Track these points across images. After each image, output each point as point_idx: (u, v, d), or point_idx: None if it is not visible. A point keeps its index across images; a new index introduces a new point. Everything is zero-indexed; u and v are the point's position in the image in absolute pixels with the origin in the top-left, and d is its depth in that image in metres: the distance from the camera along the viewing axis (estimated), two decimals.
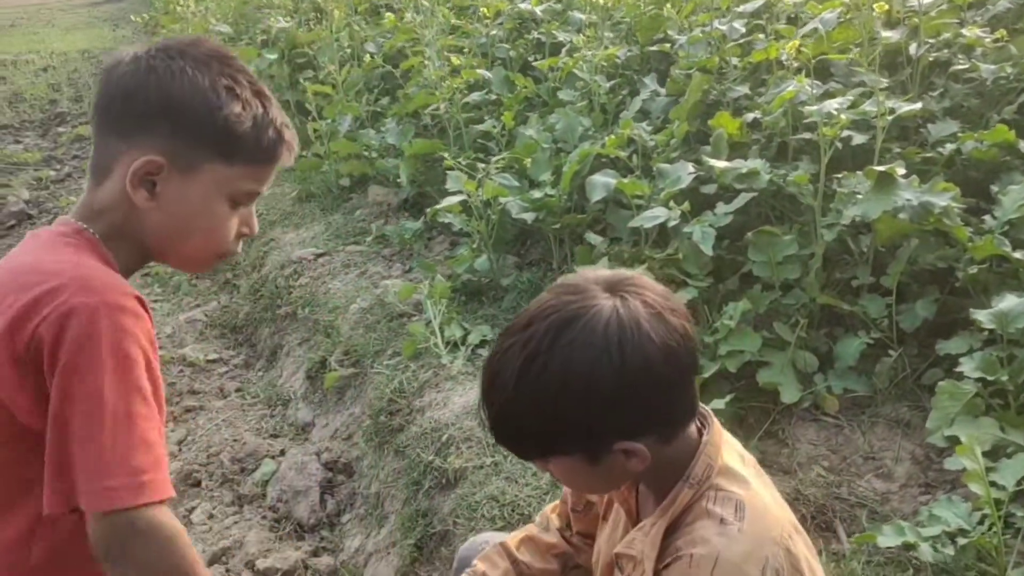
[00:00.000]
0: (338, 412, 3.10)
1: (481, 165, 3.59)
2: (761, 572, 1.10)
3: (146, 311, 1.19)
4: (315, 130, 4.76)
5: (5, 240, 5.65)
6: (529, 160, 3.39)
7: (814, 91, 2.85)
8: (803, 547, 1.19)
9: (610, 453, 1.15)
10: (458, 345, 2.94)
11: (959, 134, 2.88)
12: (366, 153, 4.48)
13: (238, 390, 3.56)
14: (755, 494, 1.19)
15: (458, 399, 2.61)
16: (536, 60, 4.33)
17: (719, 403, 2.38)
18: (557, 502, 1.59)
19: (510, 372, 1.13)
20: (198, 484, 2.88)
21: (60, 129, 8.22)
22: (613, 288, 1.14)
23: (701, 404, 1.25)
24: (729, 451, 1.26)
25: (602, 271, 1.19)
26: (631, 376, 1.09)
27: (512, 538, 1.56)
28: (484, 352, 2.96)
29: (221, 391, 3.57)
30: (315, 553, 2.57)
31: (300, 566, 2.46)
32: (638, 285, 1.15)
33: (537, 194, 3.26)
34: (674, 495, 1.19)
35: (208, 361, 3.82)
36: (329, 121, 4.82)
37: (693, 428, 1.23)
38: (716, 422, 1.26)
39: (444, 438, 2.47)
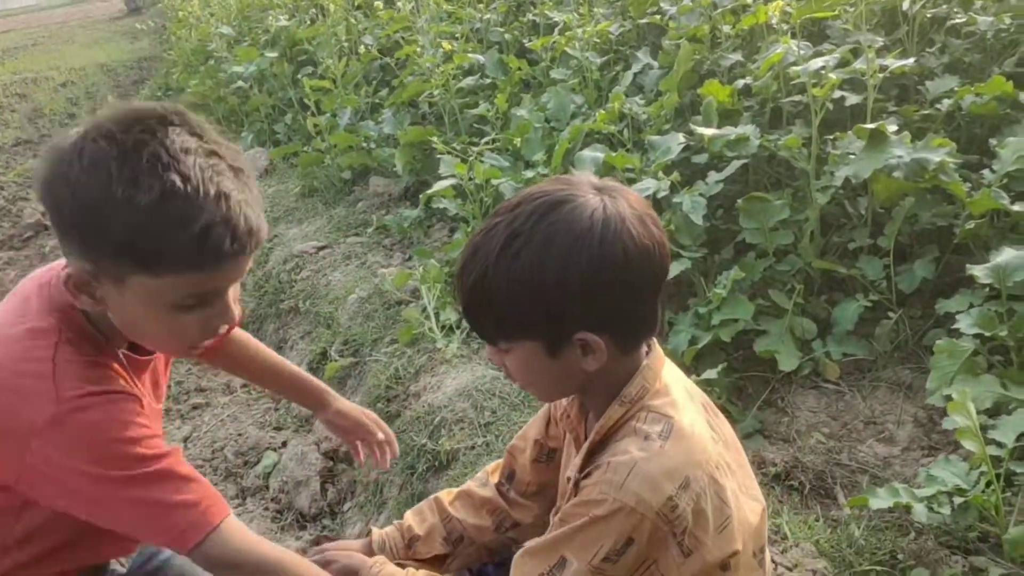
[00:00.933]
0: None
1: (473, 148, 3.57)
2: (677, 489, 1.11)
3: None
4: (315, 125, 4.76)
5: (22, 252, 5.73)
6: (520, 140, 3.35)
7: (802, 52, 2.78)
8: (734, 485, 1.19)
9: (569, 344, 1.15)
10: (453, 329, 2.92)
11: (956, 89, 2.80)
12: (365, 145, 4.47)
13: (244, 386, 3.57)
14: (689, 421, 1.18)
15: (451, 382, 2.59)
16: (530, 42, 4.29)
17: (711, 373, 2.33)
18: (499, 460, 1.56)
19: (492, 245, 1.13)
20: None
21: None
22: (601, 189, 1.16)
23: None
24: (673, 380, 1.25)
25: (592, 176, 1.21)
26: (606, 266, 1.10)
27: (447, 493, 1.56)
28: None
29: (228, 387, 3.59)
30: (316, 542, 2.56)
31: (306, 548, 2.46)
32: (624, 191, 1.18)
33: (530, 174, 3.22)
34: (608, 411, 1.20)
35: None
36: (329, 115, 4.82)
37: (643, 352, 1.23)
38: (659, 349, 1.26)
39: (437, 420, 2.46)
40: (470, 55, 4.21)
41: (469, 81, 4.17)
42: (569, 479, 1.24)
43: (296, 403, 1.94)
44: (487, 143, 3.47)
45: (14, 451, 1.14)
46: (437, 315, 2.96)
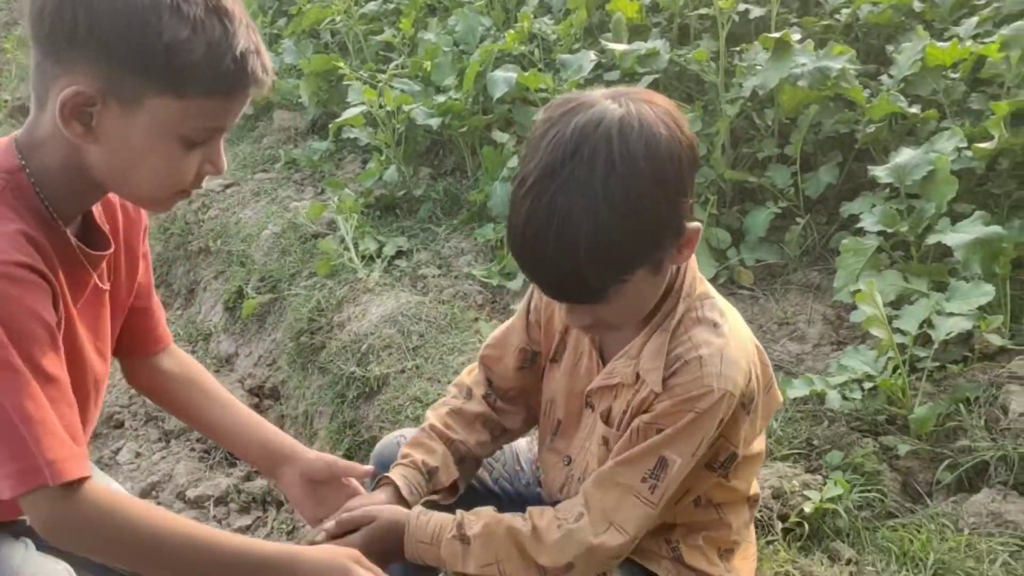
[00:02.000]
0: (260, 339, 3.04)
1: (382, 76, 3.48)
2: (748, 365, 1.20)
3: (47, 276, 1.06)
4: None
5: None
6: (430, 65, 3.28)
7: None
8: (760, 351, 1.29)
9: (667, 253, 1.15)
10: (374, 258, 2.88)
11: None
12: None
13: None
14: (725, 304, 1.26)
15: (376, 310, 2.57)
16: None
17: None
18: (472, 367, 1.52)
19: (589, 198, 1.07)
20: (121, 425, 2.81)
21: None
22: (616, 96, 1.12)
23: None
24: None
25: (595, 91, 1.15)
26: (689, 153, 1.13)
27: (436, 415, 1.47)
28: (401, 263, 2.92)
29: None
30: (247, 478, 2.54)
31: (232, 491, 2.43)
32: (637, 93, 1.15)
33: (441, 98, 3.17)
34: (666, 309, 1.22)
35: None
36: None
37: None
38: None
39: (364, 348, 2.44)
40: None
41: (372, 6, 4.04)
42: (619, 385, 1.25)
43: (257, 466, 1.62)
44: (395, 69, 3.38)
45: None
46: (356, 245, 2.92)
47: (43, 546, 1.24)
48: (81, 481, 1.04)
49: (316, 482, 1.42)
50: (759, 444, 1.33)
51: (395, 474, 1.39)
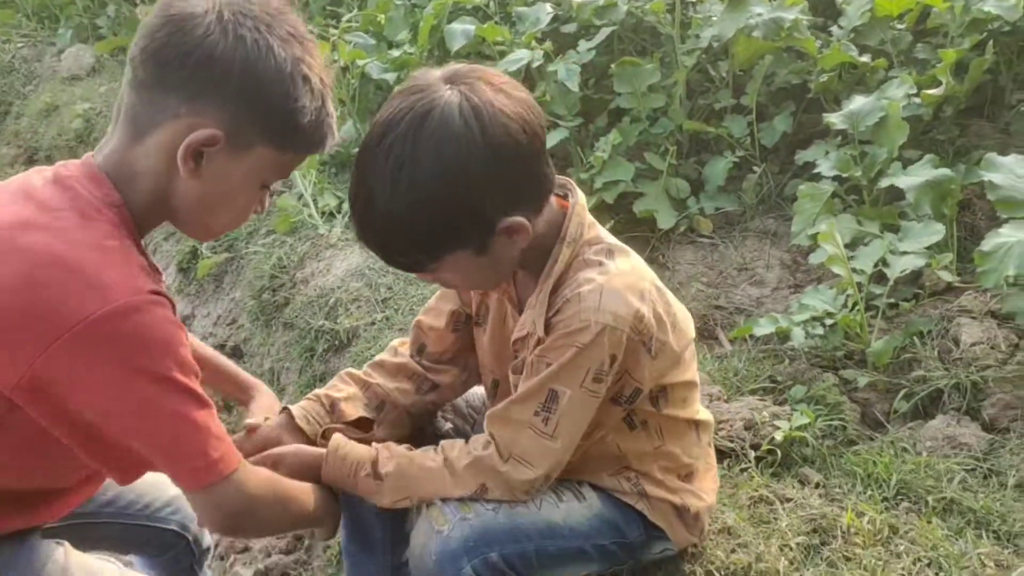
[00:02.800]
0: (218, 299, 3.00)
1: (333, 31, 3.42)
2: (639, 301, 1.22)
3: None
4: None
5: None
6: (384, 19, 3.24)
7: None
8: (662, 291, 1.31)
9: (495, 236, 1.20)
10: (334, 214, 2.86)
11: None
12: None
13: None
14: (621, 247, 1.29)
15: (341, 264, 2.56)
16: None
17: None
18: (403, 338, 1.57)
19: (383, 184, 1.15)
20: None
21: None
22: (453, 80, 1.17)
23: (560, 176, 1.30)
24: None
25: (438, 69, 1.20)
26: (497, 150, 1.14)
27: (356, 369, 1.55)
28: None
29: None
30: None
31: None
32: (474, 72, 1.19)
33: (396, 53, 3.14)
34: (554, 256, 1.27)
35: None
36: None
37: (554, 198, 1.29)
38: (579, 191, 1.32)
39: (332, 302, 2.44)
40: None
41: None
42: (528, 335, 1.29)
43: (224, 394, 1.71)
44: (347, 23, 3.33)
45: (31, 348, 1.03)
46: (315, 201, 2.89)
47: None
48: (237, 469, 1.17)
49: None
50: (685, 375, 1.36)
51: (294, 407, 1.46)
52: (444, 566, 1.24)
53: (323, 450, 1.37)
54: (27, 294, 1.03)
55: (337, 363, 2.34)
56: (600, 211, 2.58)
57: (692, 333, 1.37)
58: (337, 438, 1.38)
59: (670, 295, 1.34)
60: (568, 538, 1.33)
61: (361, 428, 1.49)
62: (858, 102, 2.35)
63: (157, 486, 1.52)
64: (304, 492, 1.33)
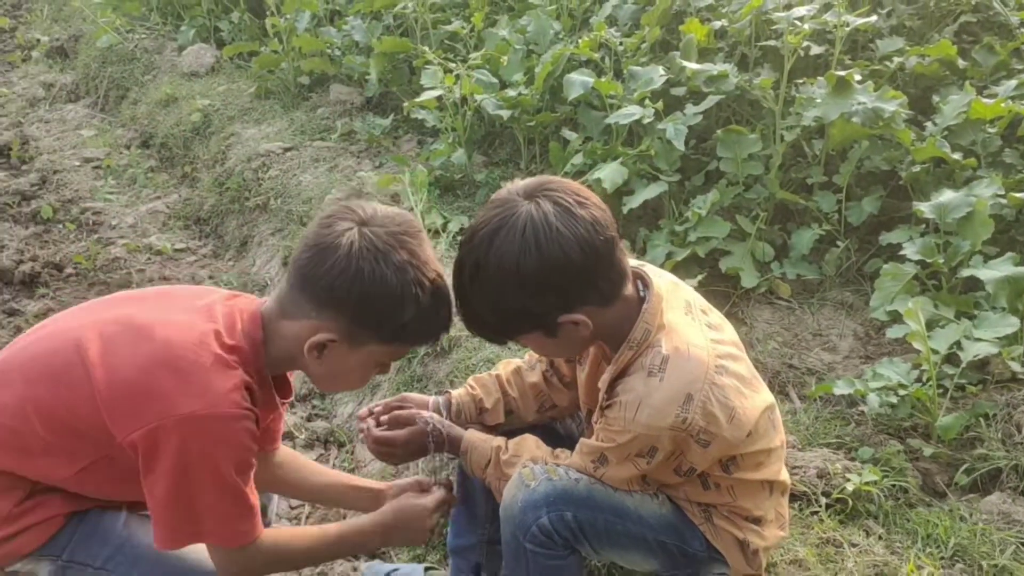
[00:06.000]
0: None
1: (451, 64, 3.68)
2: (682, 406, 1.43)
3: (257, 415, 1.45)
4: (273, 25, 4.71)
5: None
6: (505, 60, 3.49)
7: (779, 2, 3.04)
8: (729, 376, 1.48)
9: (559, 326, 1.45)
10: (439, 232, 3.08)
11: (905, 48, 3.14)
12: (329, 51, 4.48)
13: (211, 277, 3.63)
14: (686, 343, 1.47)
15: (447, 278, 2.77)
16: None
17: (691, 283, 2.61)
18: None
19: (465, 280, 1.45)
20: None
21: None
22: (531, 194, 1.41)
23: (644, 269, 1.54)
24: (673, 306, 1.53)
25: (523, 180, 1.47)
26: (550, 263, 1.38)
27: (504, 368, 1.84)
28: None
29: (193, 279, 3.63)
30: (308, 419, 2.73)
31: (302, 425, 2.62)
32: (551, 188, 1.43)
33: (512, 93, 3.38)
34: (619, 354, 1.50)
35: (176, 250, 3.86)
36: (287, 17, 4.76)
37: (632, 291, 1.51)
38: (655, 284, 1.52)
39: None
40: None
41: None
42: (600, 389, 1.54)
43: (357, 509, 1.97)
44: (474, 60, 3.59)
45: (143, 417, 1.36)
46: (423, 219, 3.11)
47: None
48: (255, 539, 1.49)
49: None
50: (757, 445, 1.54)
51: (457, 394, 1.81)
52: (527, 512, 1.50)
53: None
54: (155, 374, 1.38)
55: (435, 367, 2.54)
56: (690, 262, 2.78)
57: (751, 427, 1.51)
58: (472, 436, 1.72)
59: (744, 370, 1.53)
60: (636, 523, 1.54)
61: (490, 431, 1.78)
62: (947, 195, 2.53)
63: None
64: (313, 541, 1.62)
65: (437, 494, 1.69)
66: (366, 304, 1.40)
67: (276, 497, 1.88)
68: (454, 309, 1.50)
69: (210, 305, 1.49)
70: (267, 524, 1.73)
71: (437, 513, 1.68)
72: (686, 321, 1.52)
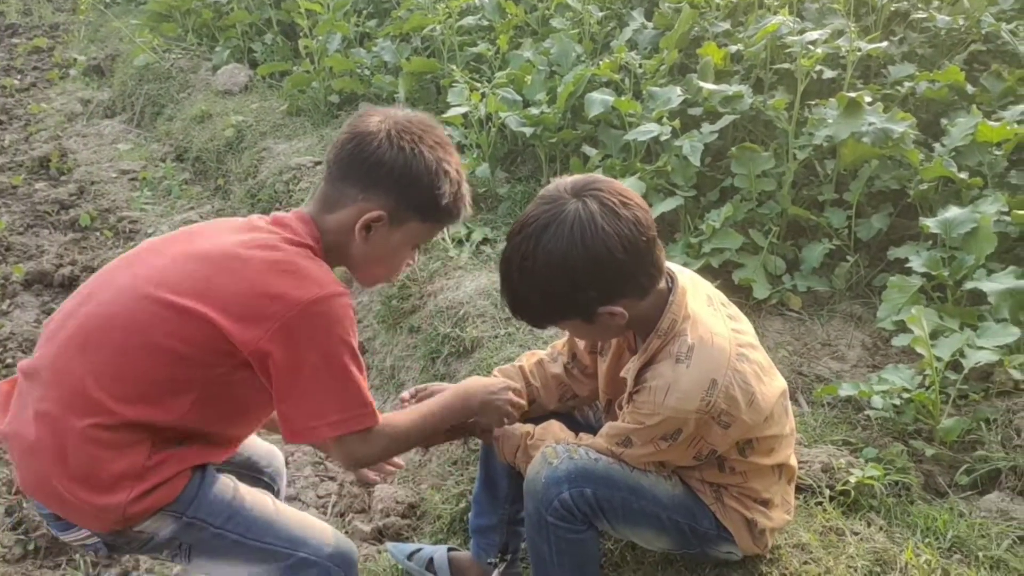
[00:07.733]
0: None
1: (477, 84, 3.84)
2: (707, 391, 1.53)
3: None
4: (306, 47, 4.90)
5: None
6: (529, 79, 3.64)
7: (795, 26, 3.17)
8: (749, 364, 1.59)
9: (598, 315, 1.55)
10: (463, 241, 3.22)
11: (916, 74, 3.26)
12: (359, 71, 4.66)
13: None
14: (709, 333, 1.58)
15: (470, 283, 2.90)
16: None
17: None
18: (568, 337, 1.93)
19: (512, 269, 1.55)
20: None
21: (14, 40, 8.06)
22: (578, 192, 1.51)
23: (669, 266, 1.64)
24: (696, 298, 1.65)
25: (571, 177, 1.58)
26: (595, 259, 1.47)
27: (527, 360, 1.95)
28: (486, 248, 3.26)
29: None
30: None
31: None
32: (598, 188, 1.54)
33: (534, 111, 3.52)
34: (647, 343, 1.60)
35: None
36: (319, 39, 4.96)
37: (664, 285, 1.62)
38: (680, 280, 1.64)
39: (460, 313, 2.76)
40: None
41: (468, 20, 4.41)
42: (624, 379, 1.65)
43: None
44: (499, 79, 3.74)
45: (270, 320, 1.44)
46: (446, 229, 3.24)
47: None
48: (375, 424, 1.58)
49: None
50: (771, 430, 1.66)
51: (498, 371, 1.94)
52: (549, 488, 1.61)
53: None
54: (269, 280, 1.47)
55: (458, 367, 2.66)
56: (704, 272, 2.88)
57: (768, 412, 1.62)
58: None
59: (761, 358, 1.64)
60: (650, 502, 1.65)
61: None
62: (953, 212, 2.64)
63: (257, 446, 1.92)
64: (413, 415, 1.69)
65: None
66: (409, 179, 1.53)
67: (284, 475, 1.97)
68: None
69: (251, 222, 1.59)
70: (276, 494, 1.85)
71: (510, 390, 1.80)
72: (709, 312, 1.63)
